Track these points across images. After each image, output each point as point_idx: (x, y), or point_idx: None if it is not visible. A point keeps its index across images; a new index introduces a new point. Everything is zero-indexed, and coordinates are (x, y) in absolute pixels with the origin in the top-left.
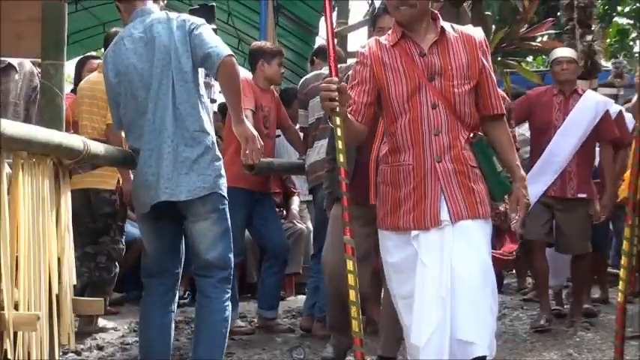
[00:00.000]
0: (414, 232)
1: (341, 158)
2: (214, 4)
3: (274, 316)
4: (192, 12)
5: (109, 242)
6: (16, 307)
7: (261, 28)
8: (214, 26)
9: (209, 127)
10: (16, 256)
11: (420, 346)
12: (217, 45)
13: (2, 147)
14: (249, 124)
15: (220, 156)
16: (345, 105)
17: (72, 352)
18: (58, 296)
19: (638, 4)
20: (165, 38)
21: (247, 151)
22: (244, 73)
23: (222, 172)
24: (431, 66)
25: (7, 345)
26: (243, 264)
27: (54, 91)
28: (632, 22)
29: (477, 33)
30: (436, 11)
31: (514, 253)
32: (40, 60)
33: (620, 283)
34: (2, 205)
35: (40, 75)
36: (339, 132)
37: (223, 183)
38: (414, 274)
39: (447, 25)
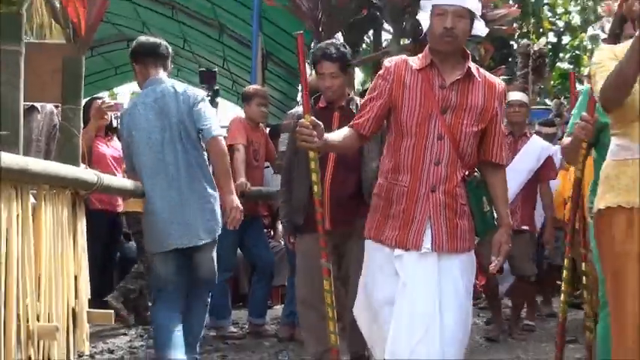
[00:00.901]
0: (397, 251)
1: (315, 189)
2: (216, 69)
3: (263, 323)
4: (201, 73)
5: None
6: (38, 319)
7: (252, 72)
8: (217, 87)
9: (212, 182)
10: (39, 275)
11: (404, 357)
12: (211, 124)
13: (28, 181)
14: (235, 197)
15: (217, 204)
16: (322, 136)
17: (86, 355)
18: (74, 309)
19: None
20: (174, 111)
21: (230, 217)
22: (238, 112)
23: (218, 216)
24: (447, 100)
25: (32, 352)
26: (235, 278)
27: (72, 132)
28: (571, 66)
29: (500, 83)
30: (468, 51)
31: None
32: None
33: (562, 295)
34: (27, 231)
35: (59, 115)
36: (312, 165)
37: (219, 224)
38: (387, 287)
39: (473, 67)
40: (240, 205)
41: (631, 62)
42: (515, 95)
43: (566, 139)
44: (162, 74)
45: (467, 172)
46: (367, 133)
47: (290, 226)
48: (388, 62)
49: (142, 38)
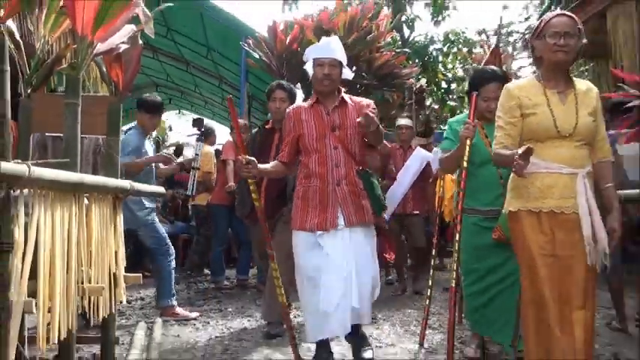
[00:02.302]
0: (318, 232)
1: (256, 203)
2: (203, 118)
3: (246, 278)
4: (193, 120)
5: None
6: (90, 282)
7: (241, 108)
8: (203, 129)
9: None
10: (90, 251)
11: (330, 311)
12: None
13: (83, 190)
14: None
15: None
16: (256, 168)
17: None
18: (115, 274)
19: (460, 94)
20: None
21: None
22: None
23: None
24: (333, 121)
25: (85, 304)
26: (228, 247)
27: (113, 155)
28: (457, 103)
29: (366, 100)
30: (340, 86)
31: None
32: (105, 136)
33: (453, 271)
34: (82, 223)
35: (103, 141)
36: (252, 187)
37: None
38: (315, 259)
39: (346, 96)
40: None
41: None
42: (403, 121)
43: (442, 155)
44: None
45: (360, 168)
46: (287, 160)
47: (244, 214)
48: (289, 109)
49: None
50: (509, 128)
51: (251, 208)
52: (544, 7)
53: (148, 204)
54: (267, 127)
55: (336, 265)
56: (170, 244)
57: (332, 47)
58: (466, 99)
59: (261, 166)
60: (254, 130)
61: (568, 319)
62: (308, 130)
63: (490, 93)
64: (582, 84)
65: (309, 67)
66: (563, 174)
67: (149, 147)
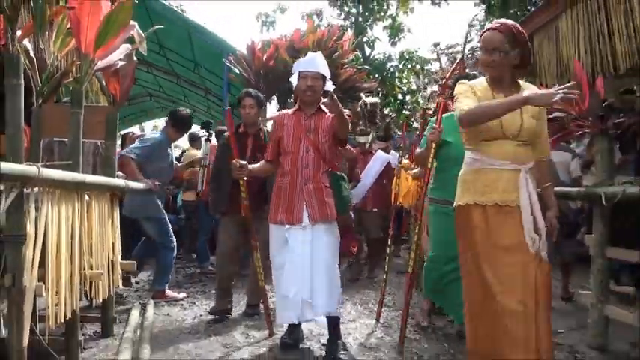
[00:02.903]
0: (286, 226)
1: (245, 200)
2: (211, 121)
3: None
4: (202, 123)
5: None
6: (91, 268)
7: (224, 117)
8: (210, 131)
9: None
10: (90, 242)
11: (289, 296)
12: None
13: (84, 188)
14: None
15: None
16: (246, 169)
17: (122, 287)
18: (112, 261)
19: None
20: None
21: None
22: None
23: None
24: (308, 126)
25: (88, 287)
26: (212, 237)
27: (111, 157)
28: (411, 112)
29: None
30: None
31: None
32: (104, 140)
33: (410, 259)
34: (83, 217)
35: (101, 145)
36: (242, 187)
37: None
38: (282, 249)
39: (323, 106)
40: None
41: (498, 111)
42: (362, 139)
43: (419, 151)
44: None
45: (329, 169)
46: (271, 159)
47: (217, 210)
48: (275, 116)
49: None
50: (469, 96)
51: (226, 207)
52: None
53: (158, 201)
54: (240, 131)
55: (295, 257)
56: (175, 240)
57: (316, 62)
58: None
59: (250, 166)
60: (226, 134)
61: (517, 309)
62: (287, 133)
63: None
64: (529, 87)
65: (294, 80)
66: (506, 170)
67: (172, 152)
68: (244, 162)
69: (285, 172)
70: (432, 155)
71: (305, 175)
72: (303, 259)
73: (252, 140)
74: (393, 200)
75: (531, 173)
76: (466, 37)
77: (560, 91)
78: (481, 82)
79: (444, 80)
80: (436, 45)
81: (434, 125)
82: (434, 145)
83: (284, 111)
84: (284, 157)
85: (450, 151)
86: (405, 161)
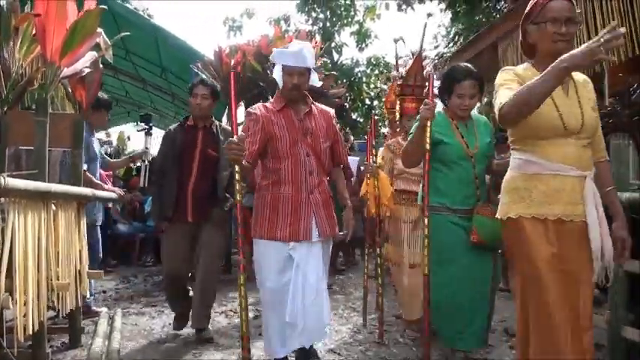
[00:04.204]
0: (291, 244)
1: (238, 197)
2: (150, 114)
3: None
4: (141, 116)
5: None
6: (58, 279)
7: None
8: (151, 124)
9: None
10: (57, 252)
11: (297, 323)
12: None
13: (50, 197)
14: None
15: None
16: (244, 151)
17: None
18: (79, 270)
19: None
20: None
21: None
22: None
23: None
24: (305, 127)
25: (54, 298)
26: None
27: (77, 165)
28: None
29: (330, 110)
30: (306, 92)
31: None
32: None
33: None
34: (50, 227)
35: (68, 154)
36: (237, 177)
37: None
38: (286, 269)
39: (310, 101)
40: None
41: (543, 89)
42: None
43: (405, 145)
44: None
45: (328, 178)
46: (252, 161)
47: (161, 216)
48: (252, 109)
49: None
50: (512, 87)
51: (172, 212)
52: (450, 37)
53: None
54: (189, 124)
55: (305, 278)
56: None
57: (303, 55)
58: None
59: None
60: (171, 127)
61: (578, 343)
62: (280, 134)
63: (465, 90)
64: (578, 75)
65: (277, 74)
66: (570, 176)
67: (96, 144)
68: (243, 134)
69: (284, 180)
70: (427, 138)
71: (311, 183)
72: (315, 283)
73: (202, 135)
74: (373, 203)
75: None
76: (424, 33)
77: (602, 38)
78: (526, 69)
79: (401, 78)
80: (396, 40)
81: (426, 100)
82: (429, 124)
83: (261, 105)
84: (277, 163)
85: (446, 152)
86: (380, 160)
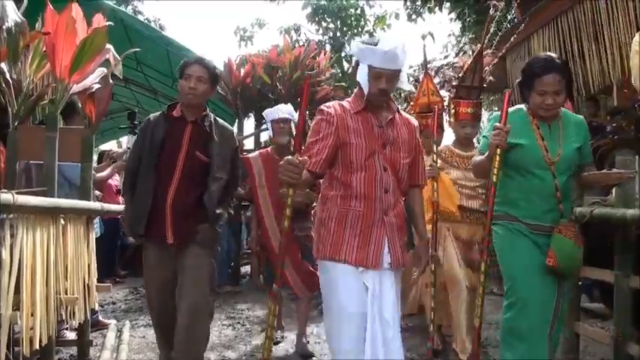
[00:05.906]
0: (360, 268)
1: (286, 223)
2: (136, 111)
3: None
4: (128, 113)
5: None
6: (66, 293)
7: None
8: (136, 122)
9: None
10: (66, 265)
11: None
12: None
13: (59, 212)
14: None
15: None
16: (299, 178)
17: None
18: (88, 284)
19: None
20: None
21: None
22: None
23: None
24: (385, 137)
25: (63, 312)
26: None
27: (86, 180)
28: None
29: (414, 119)
30: (392, 95)
31: None
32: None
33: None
34: (59, 241)
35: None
36: (289, 201)
37: None
38: (361, 298)
39: (394, 106)
40: None
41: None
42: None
43: (476, 158)
44: None
45: (404, 199)
46: (320, 171)
47: (134, 230)
48: (326, 107)
49: None
50: None
51: (146, 226)
52: (460, 46)
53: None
54: (174, 115)
55: (380, 310)
56: None
57: (397, 56)
58: None
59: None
60: (151, 117)
61: None
62: (357, 141)
63: (547, 86)
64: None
65: (361, 73)
66: None
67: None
68: (304, 158)
69: (356, 194)
70: (496, 165)
71: (386, 203)
72: (394, 311)
73: (191, 132)
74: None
75: None
76: (424, 50)
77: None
78: (518, 109)
79: (416, 100)
80: (424, 37)
81: (496, 124)
82: (498, 152)
83: (337, 103)
84: (349, 174)
85: (522, 157)
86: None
